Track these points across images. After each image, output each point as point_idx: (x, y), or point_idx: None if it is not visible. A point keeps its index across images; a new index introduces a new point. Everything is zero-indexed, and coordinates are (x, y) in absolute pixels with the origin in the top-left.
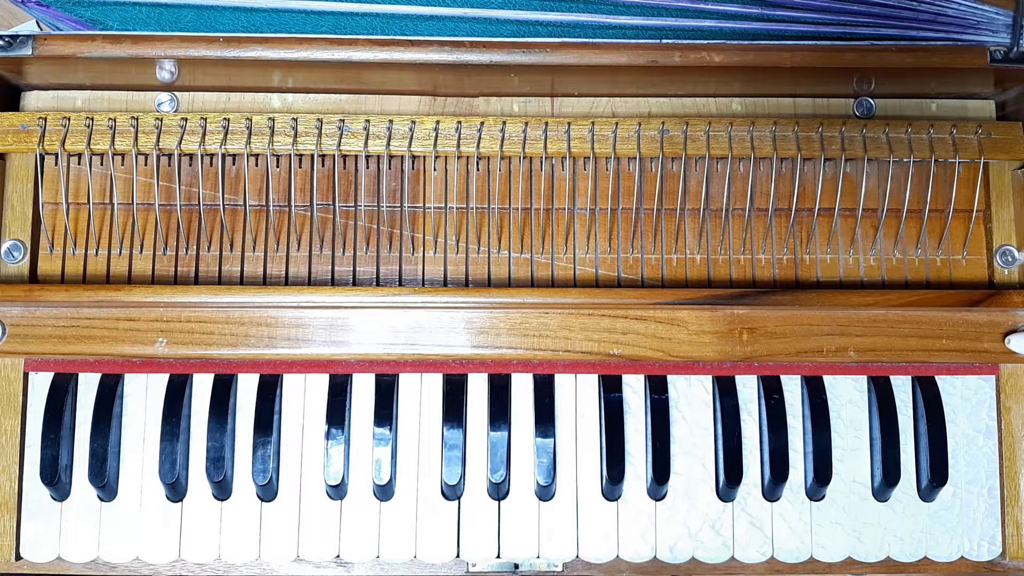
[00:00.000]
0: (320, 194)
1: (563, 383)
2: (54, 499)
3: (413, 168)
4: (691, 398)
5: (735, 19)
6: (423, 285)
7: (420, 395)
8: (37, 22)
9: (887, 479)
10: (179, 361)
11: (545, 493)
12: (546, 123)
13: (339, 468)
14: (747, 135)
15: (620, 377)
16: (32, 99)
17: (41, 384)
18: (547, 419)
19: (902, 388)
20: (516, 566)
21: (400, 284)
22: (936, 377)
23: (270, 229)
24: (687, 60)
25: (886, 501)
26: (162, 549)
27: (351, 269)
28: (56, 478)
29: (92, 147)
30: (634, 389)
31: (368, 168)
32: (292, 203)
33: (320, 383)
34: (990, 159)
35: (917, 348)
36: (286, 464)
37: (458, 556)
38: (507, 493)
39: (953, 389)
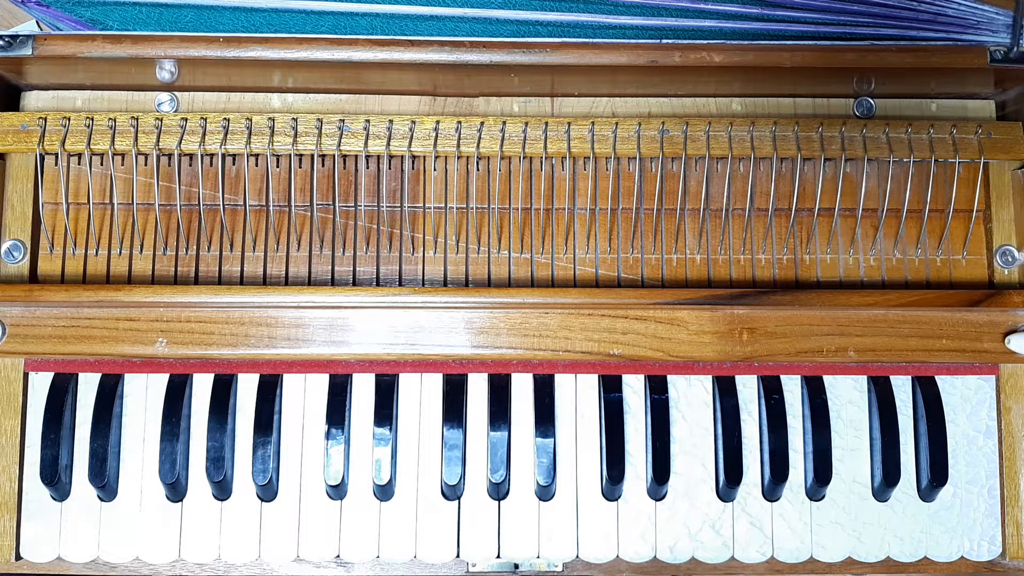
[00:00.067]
0: (320, 194)
1: (563, 383)
2: (54, 499)
3: (413, 168)
4: (691, 398)
5: (735, 19)
6: (423, 285)
7: (420, 395)
8: (37, 22)
9: (887, 479)
10: (179, 361)
11: (545, 493)
12: (546, 123)
13: (339, 468)
14: (747, 135)
15: (620, 377)
16: (32, 99)
17: (41, 384)
18: (547, 419)
19: (902, 388)
20: (516, 566)
21: (400, 284)
22: (936, 377)
23: (270, 229)
24: (687, 60)
25: (886, 501)
26: (162, 549)
27: (351, 269)
28: (56, 478)
29: (92, 147)
30: (634, 389)
31: (368, 168)
32: (292, 203)
33: (320, 383)
34: (990, 159)
35: (917, 348)
36: (286, 464)
37: (458, 556)
38: (507, 493)
39: (953, 389)
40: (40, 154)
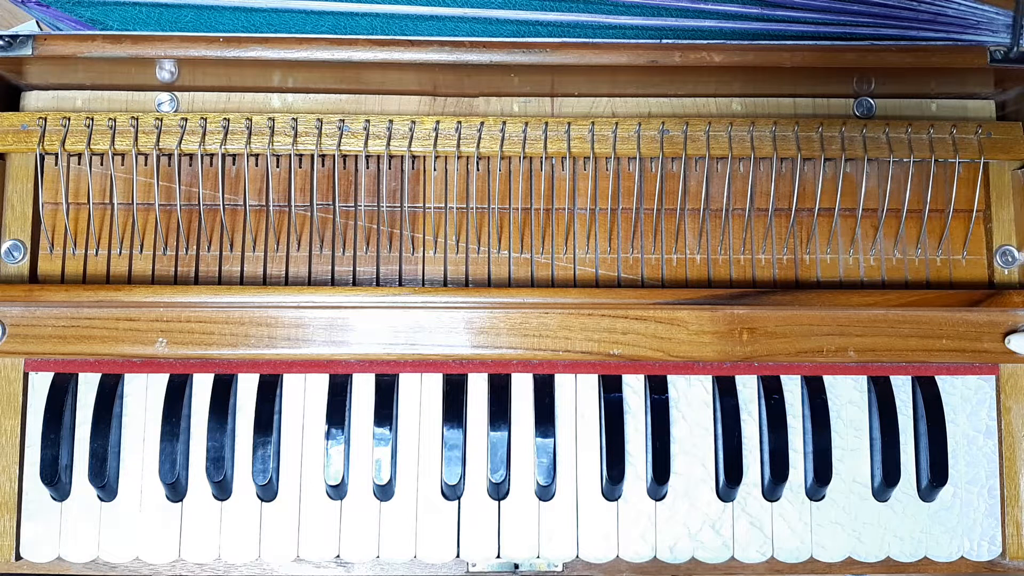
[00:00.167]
0: (320, 194)
1: (563, 383)
2: (54, 499)
3: (413, 168)
4: (691, 398)
5: (735, 19)
6: (423, 285)
7: (420, 395)
8: (37, 22)
9: (887, 479)
10: (179, 361)
11: (545, 493)
12: (546, 123)
13: (339, 468)
14: (747, 135)
15: (620, 377)
16: (32, 99)
17: (41, 384)
18: (547, 419)
19: (902, 388)
20: (516, 566)
21: (400, 284)
22: (936, 377)
23: (270, 229)
24: (687, 60)
25: (886, 501)
26: (162, 549)
27: (351, 269)
28: (56, 478)
29: (92, 147)
30: (634, 389)
31: (368, 168)
32: (292, 203)
33: (320, 383)
34: (990, 159)
35: (917, 348)
36: (286, 464)
37: (458, 556)
38: (507, 493)
39: (953, 389)
40: (40, 154)
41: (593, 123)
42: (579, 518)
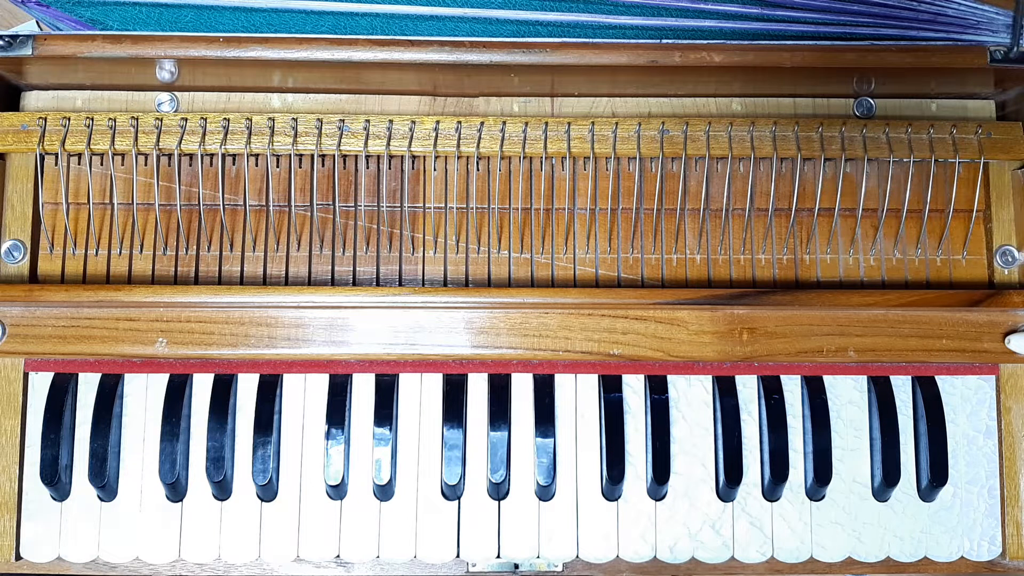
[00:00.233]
0: (320, 194)
1: (563, 383)
2: (54, 499)
3: (413, 168)
4: (691, 398)
5: (735, 19)
6: (423, 285)
7: (420, 395)
8: (37, 22)
9: (887, 479)
10: (179, 361)
11: (545, 493)
12: (546, 123)
13: (339, 468)
14: (747, 135)
15: (620, 377)
16: (32, 99)
17: (41, 384)
18: (547, 419)
19: (902, 388)
20: (516, 566)
21: (400, 284)
22: (936, 377)
23: (270, 229)
24: (687, 60)
25: (886, 501)
26: (162, 549)
27: (351, 269)
28: (56, 478)
29: (92, 147)
30: (634, 389)
31: (368, 168)
32: (292, 203)
33: (320, 383)
34: (990, 159)
35: (917, 348)
36: (286, 464)
37: (458, 556)
38: (507, 493)
39: (953, 389)
40: (40, 154)
41: (593, 123)
42: (579, 518)
